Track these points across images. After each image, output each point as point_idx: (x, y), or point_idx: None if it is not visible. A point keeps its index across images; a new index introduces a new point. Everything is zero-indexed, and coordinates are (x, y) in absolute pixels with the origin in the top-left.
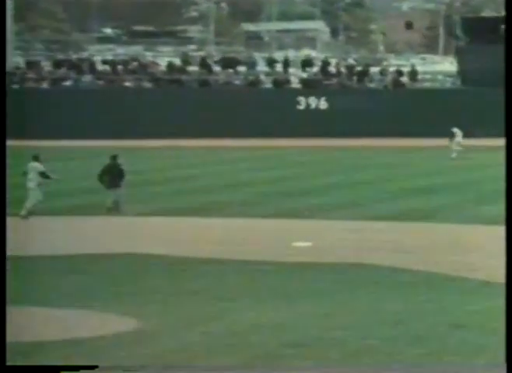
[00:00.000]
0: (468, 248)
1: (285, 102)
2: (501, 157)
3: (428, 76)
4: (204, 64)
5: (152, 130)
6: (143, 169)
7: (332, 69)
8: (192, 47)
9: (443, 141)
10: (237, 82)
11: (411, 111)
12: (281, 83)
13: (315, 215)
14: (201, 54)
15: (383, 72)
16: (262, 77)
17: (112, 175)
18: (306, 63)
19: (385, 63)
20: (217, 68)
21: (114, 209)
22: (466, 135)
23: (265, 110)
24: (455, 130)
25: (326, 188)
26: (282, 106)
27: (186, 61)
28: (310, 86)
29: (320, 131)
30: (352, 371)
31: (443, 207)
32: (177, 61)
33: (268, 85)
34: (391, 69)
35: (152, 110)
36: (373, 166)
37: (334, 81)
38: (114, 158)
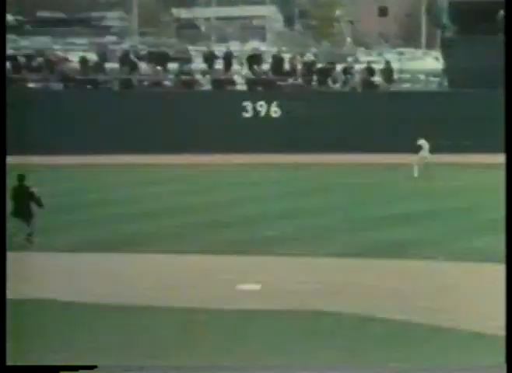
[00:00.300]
0: (454, 291)
1: (228, 108)
2: (489, 178)
3: (407, 75)
4: (126, 60)
5: (61, 143)
6: (51, 192)
7: (286, 67)
8: (111, 38)
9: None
10: (167, 83)
11: (385, 120)
12: (222, 84)
13: (264, 250)
14: (123, 47)
15: (350, 71)
16: (199, 76)
17: (21, 201)
18: (254, 59)
19: (353, 59)
20: (142, 65)
21: (29, 242)
22: (454, 150)
23: (202, 118)
24: (421, 142)
25: (277, 216)
26: (223, 113)
27: (103, 55)
28: (258, 88)
29: (271, 145)
30: (352, 371)
31: (422, 240)
32: (93, 56)
33: (207, 86)
34: (361, 67)
35: (62, 118)
36: (335, 189)
37: (289, 81)
38: (21, 179)
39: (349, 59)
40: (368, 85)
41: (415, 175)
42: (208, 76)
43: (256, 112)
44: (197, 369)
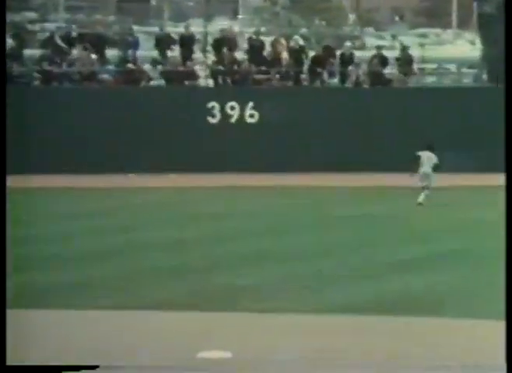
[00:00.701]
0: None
1: (187, 111)
2: None
3: (432, 66)
4: (50, 44)
5: None
6: None
7: (266, 54)
8: (30, 15)
9: (446, 179)
10: (105, 76)
11: (400, 127)
12: (179, 78)
13: (235, 305)
14: (46, 27)
15: (353, 59)
16: (147, 67)
17: None
18: (223, 43)
19: (357, 44)
20: (73, 52)
21: None
22: (492, 168)
23: (152, 125)
24: (423, 153)
25: (253, 260)
26: (180, 118)
27: (21, 39)
28: (228, 84)
29: (246, 162)
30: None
31: (435, 292)
32: (8, 41)
33: (158, 80)
34: (368, 54)
35: None
36: (328, 224)
37: (271, 75)
38: None
39: (351, 44)
40: (378, 79)
41: (425, 202)
42: (159, 67)
43: (225, 116)
44: (199, 369)
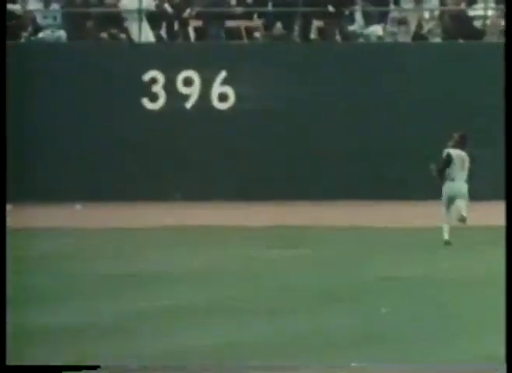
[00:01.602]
0: None
1: (107, 88)
2: None
3: None
4: None
5: None
6: None
7: None
8: None
9: None
10: None
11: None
12: (91, 26)
13: None
14: None
15: None
16: (36, 5)
17: None
18: None
19: None
20: None
21: None
22: None
23: (43, 114)
24: (454, 152)
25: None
26: (94, 100)
27: None
28: (180, 36)
29: (209, 182)
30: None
31: None
32: None
33: (53, 30)
34: None
35: None
36: (367, 291)
37: (259, 20)
38: None
39: None
40: (460, 27)
41: (446, 236)
42: (57, 6)
43: (175, 97)
44: (201, 370)
